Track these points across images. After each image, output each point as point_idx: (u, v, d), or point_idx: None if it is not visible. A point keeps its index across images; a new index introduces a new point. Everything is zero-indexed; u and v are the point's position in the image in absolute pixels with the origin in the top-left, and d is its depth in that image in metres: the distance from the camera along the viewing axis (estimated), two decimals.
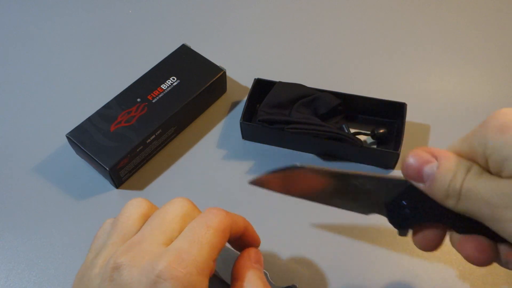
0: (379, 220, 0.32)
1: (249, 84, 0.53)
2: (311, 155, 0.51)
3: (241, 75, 0.57)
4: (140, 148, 0.47)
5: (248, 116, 0.51)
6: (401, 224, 0.30)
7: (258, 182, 0.34)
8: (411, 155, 0.27)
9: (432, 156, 0.27)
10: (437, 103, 0.55)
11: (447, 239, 0.30)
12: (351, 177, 0.30)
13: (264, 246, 0.44)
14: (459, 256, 0.43)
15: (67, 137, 0.47)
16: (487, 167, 0.25)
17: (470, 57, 0.60)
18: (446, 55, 0.60)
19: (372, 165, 0.50)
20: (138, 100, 0.50)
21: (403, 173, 0.28)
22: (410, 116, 0.51)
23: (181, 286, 0.25)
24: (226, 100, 0.56)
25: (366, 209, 0.32)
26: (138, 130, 0.48)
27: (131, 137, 0.47)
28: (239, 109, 0.54)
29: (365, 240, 0.45)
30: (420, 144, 0.51)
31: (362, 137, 0.50)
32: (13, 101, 0.56)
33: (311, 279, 0.43)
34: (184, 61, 0.53)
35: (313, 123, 0.48)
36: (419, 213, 0.29)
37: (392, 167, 0.49)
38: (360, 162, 0.50)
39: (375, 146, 0.50)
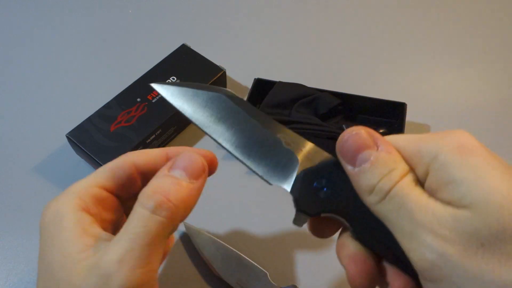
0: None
1: (249, 84, 0.53)
2: None
3: (241, 75, 0.57)
4: (140, 148, 0.47)
5: None
6: (307, 208, 0.25)
7: (163, 89, 0.28)
8: (353, 132, 0.24)
9: (373, 142, 0.24)
10: (437, 103, 0.55)
11: None
12: (277, 129, 0.27)
13: (264, 246, 0.44)
14: None
15: (67, 137, 0.47)
16: (422, 180, 0.23)
17: (470, 57, 0.60)
18: (446, 55, 0.60)
19: None
20: (138, 100, 0.50)
21: (337, 146, 0.24)
22: (410, 116, 0.51)
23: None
24: None
25: (273, 175, 0.27)
26: (138, 130, 0.48)
27: (131, 137, 0.47)
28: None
29: None
30: None
31: None
32: (13, 101, 0.56)
33: (311, 279, 0.43)
34: (184, 61, 0.53)
35: (313, 123, 0.48)
36: (335, 199, 0.25)
37: None
38: None
39: None
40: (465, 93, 0.56)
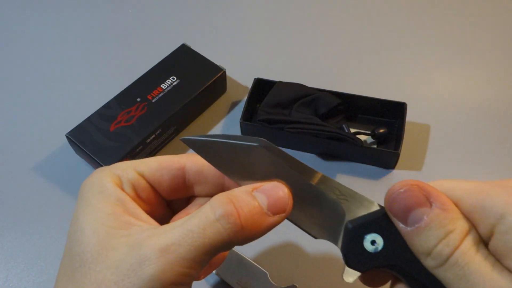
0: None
1: (249, 84, 0.53)
2: (311, 155, 0.51)
3: (241, 75, 0.57)
4: (140, 147, 0.47)
5: (248, 116, 0.51)
6: (357, 265, 0.23)
7: (191, 143, 0.26)
8: (401, 189, 0.22)
9: (426, 198, 0.21)
10: (437, 103, 0.55)
11: None
12: (316, 183, 0.25)
13: (264, 246, 0.44)
14: None
15: (67, 137, 0.47)
16: (486, 239, 0.21)
17: (470, 57, 0.60)
18: (446, 55, 0.60)
19: (372, 165, 0.49)
20: (138, 99, 0.50)
21: (385, 203, 0.22)
22: (410, 116, 0.51)
23: None
24: (226, 100, 0.55)
25: (318, 231, 0.25)
26: (138, 130, 0.48)
27: (131, 136, 0.47)
28: (239, 109, 0.54)
29: None
30: (420, 144, 0.51)
31: (362, 137, 0.50)
32: (13, 101, 0.56)
33: (311, 279, 0.43)
34: (184, 61, 0.53)
35: (313, 123, 0.48)
36: (387, 254, 0.23)
37: (392, 167, 0.49)
38: (360, 162, 0.50)
39: (375, 146, 0.50)
40: (465, 93, 0.56)
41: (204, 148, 0.25)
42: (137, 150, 0.47)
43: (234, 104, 0.55)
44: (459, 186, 0.22)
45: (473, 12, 0.65)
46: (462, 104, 0.55)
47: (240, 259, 0.41)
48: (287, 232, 0.45)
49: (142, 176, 0.27)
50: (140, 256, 0.22)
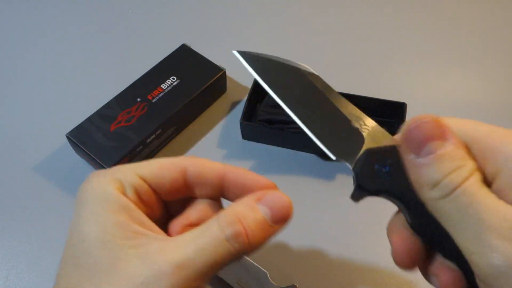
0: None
1: (249, 84, 0.53)
2: (311, 155, 0.51)
3: (241, 75, 0.57)
4: (140, 148, 0.47)
5: (248, 116, 0.51)
6: (365, 183, 0.26)
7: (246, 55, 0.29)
8: (421, 120, 0.22)
9: (442, 134, 0.22)
10: (437, 103, 0.55)
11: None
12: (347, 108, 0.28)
13: (264, 246, 0.44)
14: None
15: (67, 137, 0.47)
16: (490, 179, 0.22)
17: (470, 57, 0.60)
18: (446, 55, 0.60)
19: None
20: (138, 100, 0.50)
21: (402, 133, 0.23)
22: (410, 116, 0.51)
23: None
24: (226, 100, 0.56)
25: (338, 151, 0.27)
26: (138, 130, 0.48)
27: (131, 137, 0.47)
28: (239, 109, 0.54)
29: (367, 240, 0.45)
30: None
31: None
32: (13, 101, 0.56)
33: (311, 279, 0.43)
34: (184, 61, 0.53)
35: None
36: (395, 183, 0.25)
37: None
38: None
39: None
40: (465, 93, 0.56)
41: (256, 61, 0.29)
42: (137, 150, 0.47)
43: (234, 104, 0.55)
44: (471, 126, 0.23)
45: (473, 13, 0.65)
46: (462, 104, 0.55)
47: (240, 259, 0.41)
48: (287, 233, 0.45)
49: (144, 179, 0.27)
50: (155, 271, 0.22)
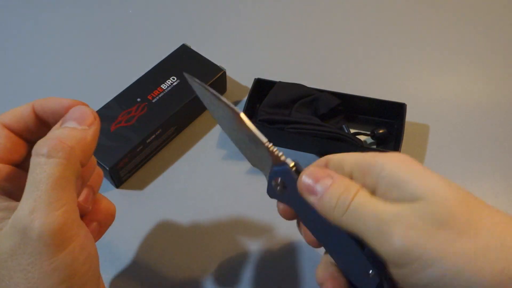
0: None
1: (249, 84, 0.53)
2: (311, 155, 0.51)
3: (241, 75, 0.57)
4: (140, 148, 0.47)
5: (248, 116, 0.51)
6: (272, 194, 0.33)
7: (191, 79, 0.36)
8: (305, 173, 0.30)
9: (327, 174, 0.29)
10: (437, 103, 0.55)
11: None
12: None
13: (264, 245, 0.44)
14: None
15: None
16: (373, 191, 0.28)
17: (469, 57, 0.60)
18: (445, 55, 0.60)
19: None
20: (138, 100, 0.50)
21: (298, 187, 0.30)
22: (410, 116, 0.51)
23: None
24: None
25: (254, 161, 0.35)
26: (138, 130, 0.48)
27: (131, 137, 0.47)
28: (239, 109, 0.54)
29: None
30: (420, 144, 0.51)
31: (362, 137, 0.50)
32: (13, 101, 0.56)
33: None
34: (184, 61, 0.53)
35: (313, 123, 0.48)
36: (286, 197, 0.32)
37: None
38: None
39: (375, 146, 0.50)
40: (465, 93, 0.56)
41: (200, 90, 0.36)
42: (138, 150, 0.47)
43: (234, 104, 0.55)
44: (349, 157, 0.30)
45: (473, 13, 0.65)
46: (461, 104, 0.55)
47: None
48: (287, 232, 0.45)
49: (4, 125, 0.29)
50: (20, 231, 0.24)
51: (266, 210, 0.47)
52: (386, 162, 0.28)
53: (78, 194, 0.30)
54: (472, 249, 0.24)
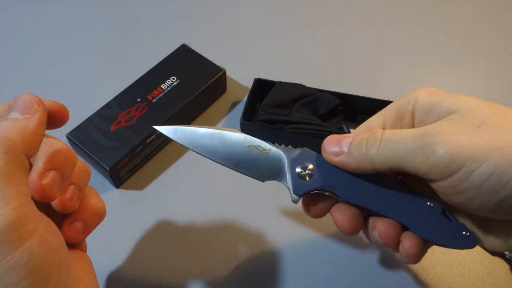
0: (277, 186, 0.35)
1: (249, 84, 0.53)
2: None
3: (241, 75, 0.57)
4: (140, 148, 0.47)
5: (248, 116, 0.51)
6: (299, 190, 0.32)
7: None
8: (328, 140, 0.32)
9: (346, 136, 0.32)
10: None
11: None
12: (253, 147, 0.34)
13: (264, 244, 0.44)
14: (459, 256, 0.44)
15: (67, 137, 0.47)
16: (412, 123, 0.31)
17: (469, 57, 0.60)
18: (446, 55, 0.60)
19: None
20: (138, 100, 0.50)
21: (323, 147, 0.32)
22: None
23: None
24: (226, 100, 0.56)
25: (263, 174, 0.34)
26: (138, 130, 0.48)
27: (131, 137, 0.47)
28: (239, 109, 0.54)
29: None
30: None
31: None
32: None
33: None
34: (184, 61, 0.53)
35: (313, 123, 0.48)
36: (319, 179, 0.32)
37: None
38: None
39: None
40: (466, 93, 0.56)
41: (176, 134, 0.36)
42: (137, 150, 0.47)
43: (234, 104, 0.55)
44: (385, 110, 0.34)
45: (472, 13, 0.65)
46: None
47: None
48: (287, 231, 0.45)
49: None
50: None
51: (266, 210, 0.47)
52: (418, 95, 0.30)
53: (62, 192, 0.28)
54: None
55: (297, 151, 0.33)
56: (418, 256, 0.31)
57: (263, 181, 0.34)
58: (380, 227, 0.31)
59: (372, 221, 0.33)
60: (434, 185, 0.29)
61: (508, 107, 0.28)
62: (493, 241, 0.31)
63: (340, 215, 0.32)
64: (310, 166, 0.32)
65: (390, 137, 0.29)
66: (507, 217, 0.28)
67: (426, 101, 0.30)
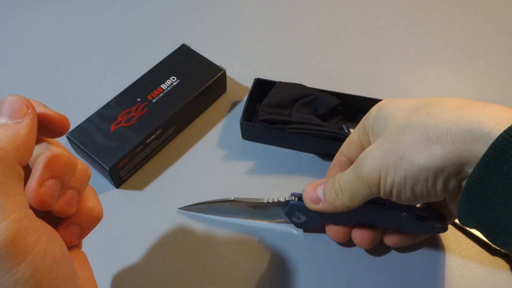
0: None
1: (249, 84, 0.53)
2: (311, 155, 0.51)
3: (241, 75, 0.57)
4: (140, 148, 0.47)
5: (248, 116, 0.51)
6: (298, 225, 0.44)
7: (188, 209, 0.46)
8: (305, 193, 0.39)
9: (318, 183, 0.38)
10: None
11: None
12: (253, 205, 0.42)
13: (264, 245, 0.44)
14: (459, 255, 0.44)
15: (67, 137, 0.47)
16: (373, 138, 0.35)
17: (470, 58, 0.60)
18: (446, 56, 0.60)
19: None
20: (138, 100, 0.50)
21: (304, 198, 0.39)
22: None
23: None
24: (226, 100, 0.56)
25: (270, 218, 0.45)
26: (138, 130, 0.48)
27: (131, 137, 0.47)
28: (239, 109, 0.54)
29: None
30: None
31: None
32: None
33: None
34: (184, 61, 0.53)
35: (313, 123, 0.48)
36: (309, 220, 0.42)
37: None
38: None
39: None
40: (465, 93, 0.56)
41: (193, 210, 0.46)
42: (137, 150, 0.47)
43: (234, 104, 0.55)
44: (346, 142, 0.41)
45: (472, 13, 0.65)
46: None
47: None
48: (288, 231, 0.45)
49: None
50: None
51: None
52: (374, 108, 0.35)
53: (60, 197, 0.27)
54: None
55: (287, 202, 0.41)
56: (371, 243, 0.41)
57: (270, 220, 0.45)
58: (358, 235, 0.41)
59: (354, 234, 0.41)
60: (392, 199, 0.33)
61: (428, 100, 0.32)
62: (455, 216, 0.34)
63: (331, 232, 0.42)
64: (298, 215, 0.41)
65: (343, 180, 0.34)
66: (431, 200, 0.32)
67: (375, 114, 0.34)
